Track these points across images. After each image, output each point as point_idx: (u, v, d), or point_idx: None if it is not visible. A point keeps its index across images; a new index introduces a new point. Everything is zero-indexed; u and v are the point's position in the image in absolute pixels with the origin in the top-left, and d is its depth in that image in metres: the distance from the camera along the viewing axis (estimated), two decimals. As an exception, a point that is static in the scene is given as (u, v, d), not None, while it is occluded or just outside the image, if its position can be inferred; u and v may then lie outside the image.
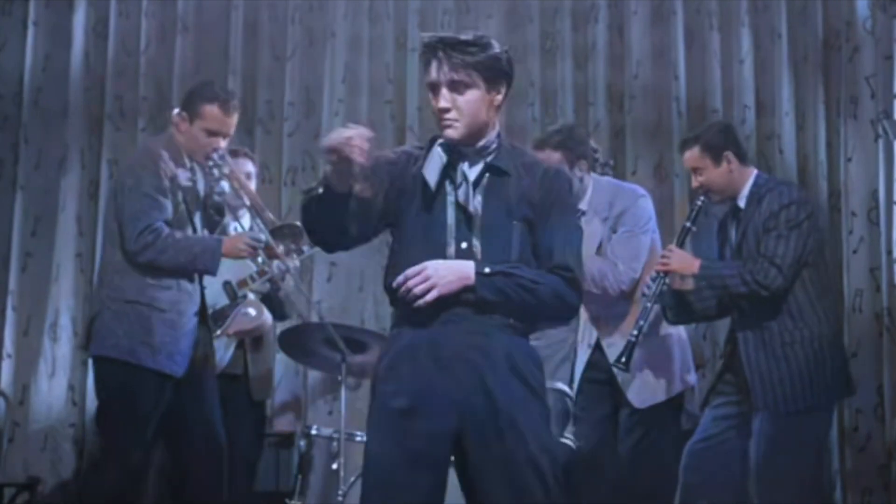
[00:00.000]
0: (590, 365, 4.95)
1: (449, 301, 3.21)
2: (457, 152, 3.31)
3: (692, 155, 4.73)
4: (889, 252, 6.08)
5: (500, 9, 6.87)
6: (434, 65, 3.27)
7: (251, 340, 5.52)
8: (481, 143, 3.33)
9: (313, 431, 5.35)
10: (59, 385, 6.51)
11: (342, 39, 6.90)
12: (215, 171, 4.66)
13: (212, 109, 4.66)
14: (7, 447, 6.42)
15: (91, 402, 6.04)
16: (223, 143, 4.68)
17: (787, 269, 4.50)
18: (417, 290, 3.17)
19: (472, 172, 3.31)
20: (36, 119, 6.72)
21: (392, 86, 6.88)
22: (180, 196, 4.64)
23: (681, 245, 4.71)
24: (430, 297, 3.17)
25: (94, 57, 6.84)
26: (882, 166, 6.15)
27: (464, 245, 3.25)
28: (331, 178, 3.17)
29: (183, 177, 4.65)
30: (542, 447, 3.25)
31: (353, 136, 3.10)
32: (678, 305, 4.72)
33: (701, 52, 6.78)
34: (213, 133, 4.66)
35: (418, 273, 3.18)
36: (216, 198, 4.71)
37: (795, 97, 6.59)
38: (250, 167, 5.64)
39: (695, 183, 4.76)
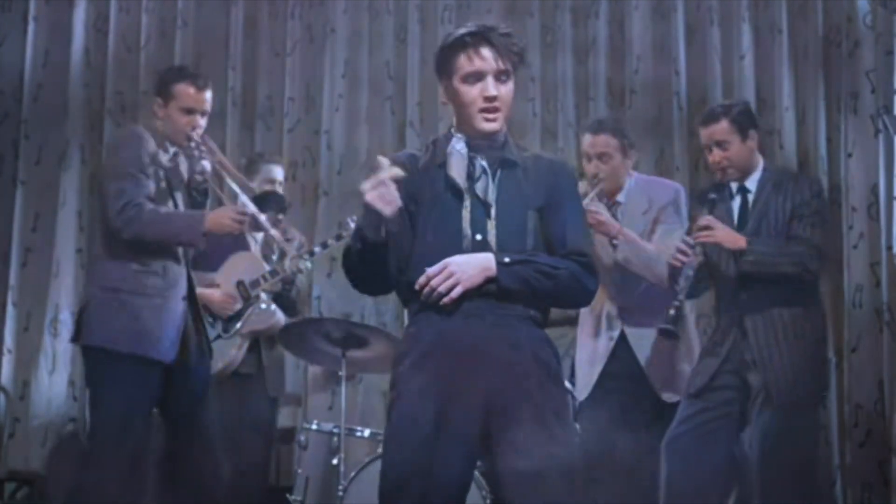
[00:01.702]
0: (612, 358, 4.92)
1: (470, 294, 3.20)
2: (474, 147, 3.31)
3: (721, 128, 4.68)
4: (889, 247, 6.08)
5: (501, 4, 6.88)
6: (485, 52, 3.25)
7: (265, 338, 5.53)
8: (500, 135, 3.36)
9: (313, 426, 5.36)
10: (59, 380, 6.52)
11: (342, 35, 6.91)
12: (196, 151, 4.66)
13: (185, 87, 4.68)
14: (7, 442, 6.43)
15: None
16: (202, 121, 4.68)
17: (822, 255, 4.57)
18: (442, 289, 3.16)
19: (489, 165, 3.31)
20: (36, 115, 6.73)
21: (392, 81, 6.89)
22: (162, 175, 4.64)
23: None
24: (455, 293, 3.16)
25: (95, 52, 6.85)
26: (882, 161, 6.15)
27: (479, 237, 3.24)
28: (365, 230, 3.18)
29: (164, 158, 4.65)
30: (567, 434, 3.30)
31: (382, 188, 3.11)
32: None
33: (701, 48, 6.78)
34: (189, 111, 4.67)
35: (440, 271, 3.17)
36: (198, 177, 4.69)
37: (796, 92, 6.58)
38: (280, 174, 5.67)
39: (716, 157, 4.68)
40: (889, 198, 6.10)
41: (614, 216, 4.92)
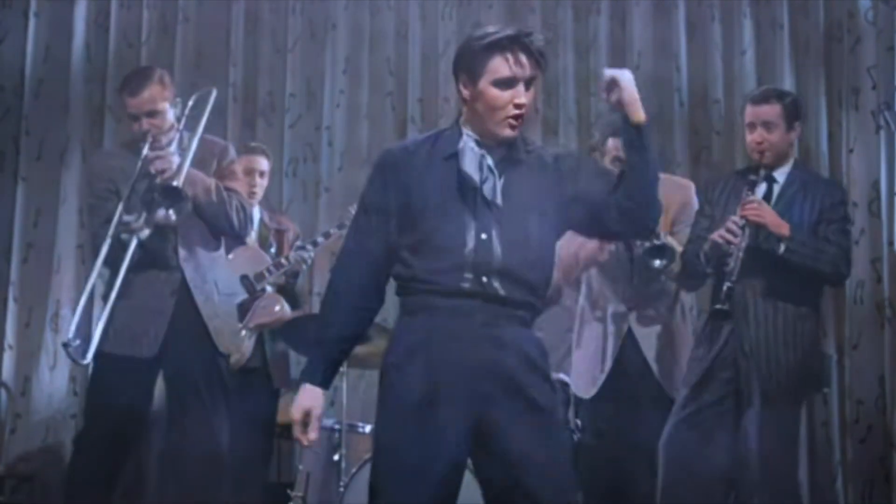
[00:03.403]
0: (619, 355, 4.92)
1: (461, 294, 3.19)
2: (483, 146, 3.27)
3: (773, 110, 4.65)
4: (890, 243, 6.09)
5: (502, 1, 6.87)
6: (523, 58, 3.20)
7: (269, 331, 5.53)
8: None
9: (315, 422, 5.35)
10: (60, 376, 6.52)
11: (343, 31, 6.91)
12: (146, 151, 4.71)
13: (124, 98, 4.81)
14: (8, 438, 6.42)
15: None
16: (146, 123, 4.74)
17: (851, 262, 4.60)
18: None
19: (496, 165, 3.28)
20: (37, 110, 6.72)
21: (393, 78, 6.88)
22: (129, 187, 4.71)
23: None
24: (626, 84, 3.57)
25: (96, 48, 6.85)
26: (883, 157, 6.16)
27: (483, 236, 3.21)
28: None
29: (131, 165, 4.75)
30: (556, 429, 3.30)
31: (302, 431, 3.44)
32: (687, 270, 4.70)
33: (703, 44, 6.78)
34: (133, 117, 4.78)
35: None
36: (162, 176, 4.71)
37: (797, 88, 6.57)
38: (265, 165, 5.68)
39: (758, 138, 4.64)
40: (890, 194, 6.11)
41: None
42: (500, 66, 3.20)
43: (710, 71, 6.73)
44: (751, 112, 4.70)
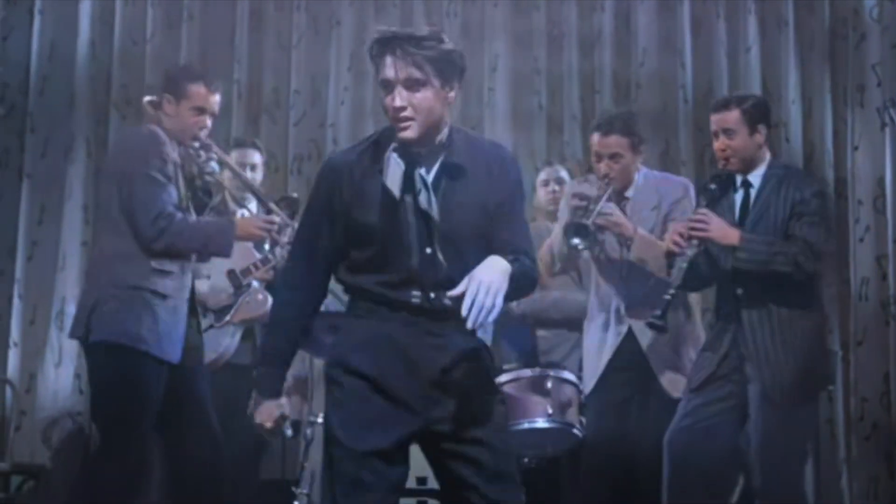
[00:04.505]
0: (618, 353, 4.93)
1: (409, 308, 3.19)
2: (412, 155, 3.19)
3: (731, 116, 4.65)
4: (895, 240, 6.08)
5: (506, -3, 6.88)
6: (389, 61, 3.11)
7: (259, 327, 5.53)
8: (436, 140, 3.22)
9: (319, 419, 5.35)
10: (65, 374, 6.52)
11: (348, 28, 6.91)
12: (202, 152, 4.67)
13: (197, 88, 4.67)
14: (14, 435, 6.43)
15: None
16: (209, 122, 4.69)
17: (819, 255, 4.52)
18: (487, 304, 2.98)
19: (430, 175, 3.21)
20: (42, 107, 6.73)
21: (397, 74, 6.87)
22: (181, 179, 4.65)
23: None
24: (497, 308, 3.00)
25: (100, 45, 6.85)
26: (888, 154, 6.16)
27: (428, 250, 3.17)
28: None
29: (177, 159, 4.66)
30: (502, 436, 3.29)
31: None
32: (689, 272, 4.68)
33: (707, 40, 6.78)
34: (200, 111, 4.67)
35: (475, 294, 2.98)
36: (207, 178, 4.71)
37: (802, 85, 6.58)
38: (257, 158, 5.65)
39: (720, 145, 4.68)
40: (895, 191, 6.10)
41: (623, 211, 4.91)
42: (379, 70, 3.15)
43: (714, 68, 6.72)
44: (712, 120, 4.71)
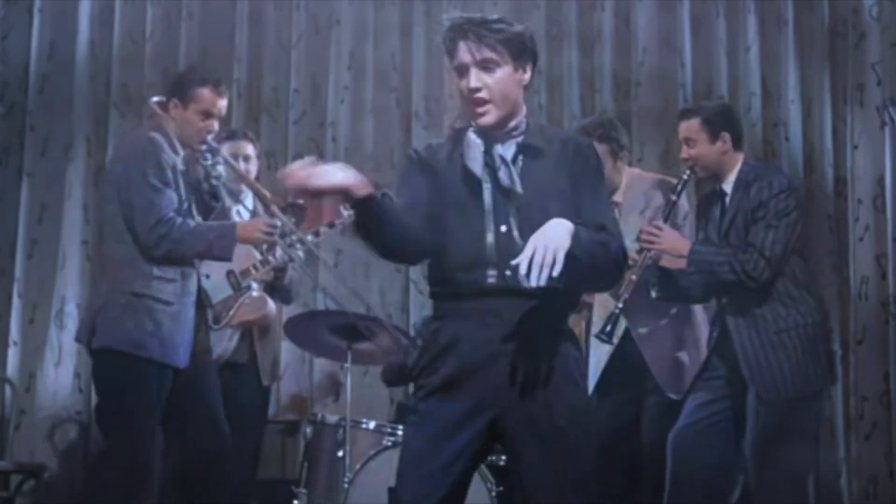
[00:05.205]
0: (616, 355, 4.93)
1: (487, 291, 3.18)
2: (490, 136, 3.25)
3: (690, 125, 4.68)
4: (895, 239, 6.08)
5: (506, -5, 6.88)
6: (462, 46, 3.19)
7: (258, 327, 5.52)
8: (512, 123, 3.27)
9: (319, 419, 5.36)
10: (65, 373, 6.52)
11: (348, 26, 6.90)
12: (209, 156, 4.68)
13: (204, 92, 4.68)
14: (13, 434, 6.43)
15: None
16: (216, 126, 4.70)
17: (775, 260, 4.45)
18: (546, 263, 2.97)
19: (507, 153, 3.26)
20: (42, 106, 6.73)
21: (397, 73, 6.88)
22: (181, 184, 4.65)
23: (665, 220, 4.68)
24: (559, 264, 2.98)
25: (100, 44, 6.85)
26: (888, 153, 6.16)
27: (503, 228, 3.19)
28: (359, 225, 3.11)
29: (177, 161, 4.67)
30: (581, 436, 3.22)
31: (293, 171, 2.98)
32: (662, 282, 4.68)
33: (707, 40, 6.77)
34: (208, 115, 4.68)
35: (532, 250, 2.99)
36: (213, 182, 4.72)
37: (801, 84, 6.58)
38: (251, 150, 5.63)
39: (685, 154, 4.71)
40: (895, 190, 6.10)
41: None
42: (453, 56, 3.23)
43: (714, 67, 6.72)
44: (679, 129, 4.75)
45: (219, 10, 6.88)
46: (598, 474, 3.27)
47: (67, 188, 6.65)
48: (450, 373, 3.18)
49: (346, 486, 5.04)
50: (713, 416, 4.58)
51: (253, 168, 5.59)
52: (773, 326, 4.49)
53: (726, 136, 4.65)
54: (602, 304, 4.96)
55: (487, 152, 3.24)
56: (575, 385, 3.24)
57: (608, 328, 4.58)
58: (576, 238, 3.05)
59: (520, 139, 3.28)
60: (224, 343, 5.34)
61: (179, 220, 4.53)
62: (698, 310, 5.07)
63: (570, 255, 3.01)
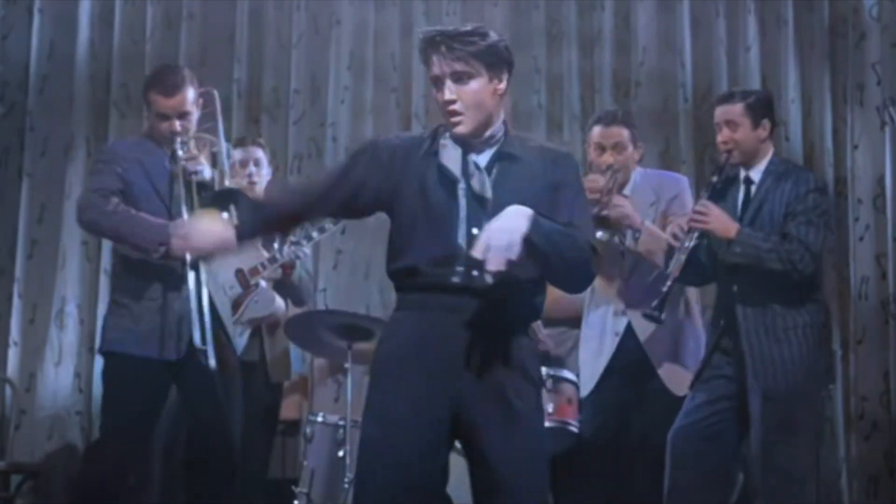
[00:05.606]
0: (618, 353, 4.92)
1: (452, 287, 3.20)
2: (466, 143, 3.30)
3: (734, 109, 4.68)
4: (895, 239, 6.08)
5: (506, -5, 6.88)
6: (435, 59, 3.26)
7: (267, 325, 5.53)
8: (488, 132, 3.32)
9: (319, 419, 5.36)
10: (65, 372, 6.52)
11: (348, 27, 6.90)
12: (180, 152, 4.74)
13: (155, 96, 4.77)
14: (14, 434, 6.43)
15: (97, 391, 6.05)
16: (178, 125, 4.75)
17: (816, 255, 4.51)
18: (500, 246, 3.02)
19: (483, 160, 3.30)
20: (41, 106, 6.73)
21: (397, 73, 6.88)
22: (162, 185, 4.74)
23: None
24: (515, 246, 3.03)
25: (100, 44, 6.85)
26: (888, 153, 6.15)
27: (475, 230, 3.20)
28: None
29: (164, 161, 4.77)
30: (536, 436, 3.30)
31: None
32: (688, 265, 4.68)
33: (707, 39, 6.77)
34: (163, 117, 4.76)
35: (488, 235, 3.04)
36: (193, 177, 4.75)
37: (801, 84, 6.58)
38: (260, 154, 5.65)
39: (723, 137, 4.68)
40: (895, 189, 6.10)
41: None
42: (429, 68, 3.31)
43: (714, 67, 6.72)
44: (717, 113, 4.76)
45: (219, 10, 6.88)
46: (548, 457, 3.34)
47: (67, 188, 6.65)
48: (408, 361, 3.23)
49: (346, 486, 5.04)
50: (713, 415, 4.58)
51: (263, 171, 5.61)
52: (781, 323, 4.50)
53: (767, 123, 4.69)
54: (603, 288, 4.96)
55: (464, 158, 3.30)
56: (531, 381, 3.32)
57: (658, 306, 4.55)
58: (535, 224, 3.08)
59: (496, 147, 3.33)
60: (234, 341, 5.35)
61: (116, 200, 4.65)
62: (695, 305, 5.07)
63: (529, 242, 3.06)
